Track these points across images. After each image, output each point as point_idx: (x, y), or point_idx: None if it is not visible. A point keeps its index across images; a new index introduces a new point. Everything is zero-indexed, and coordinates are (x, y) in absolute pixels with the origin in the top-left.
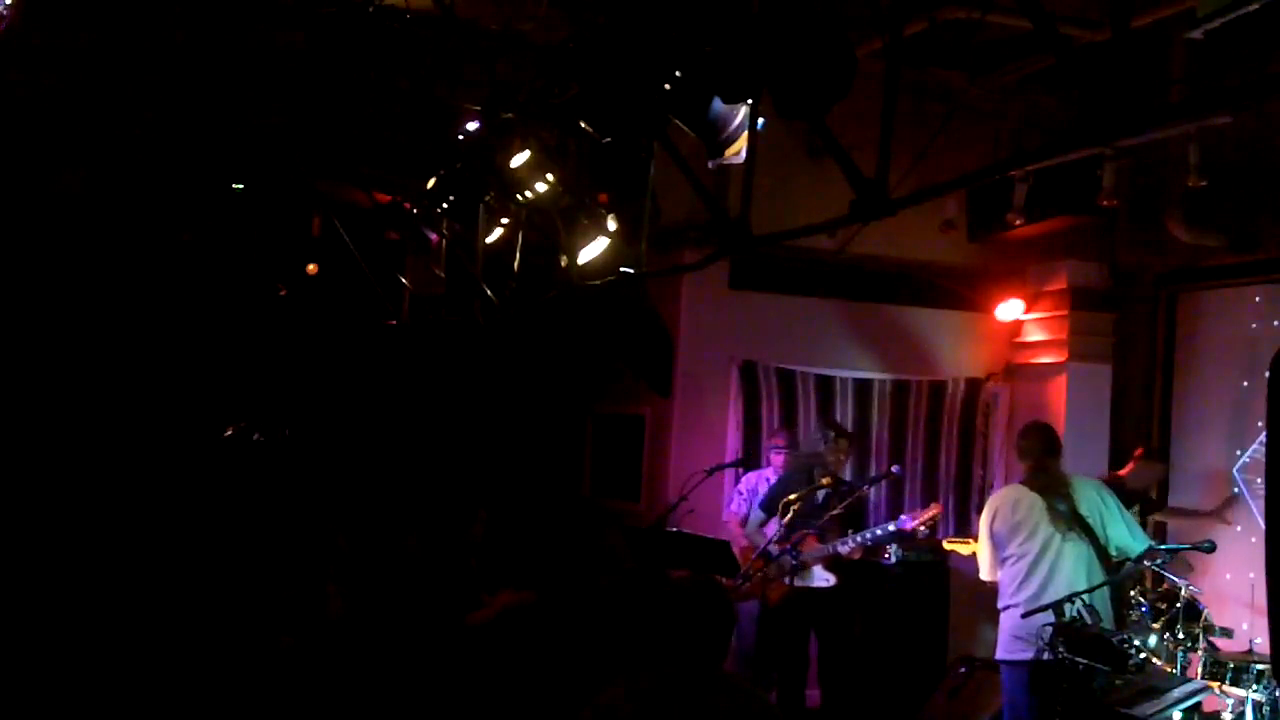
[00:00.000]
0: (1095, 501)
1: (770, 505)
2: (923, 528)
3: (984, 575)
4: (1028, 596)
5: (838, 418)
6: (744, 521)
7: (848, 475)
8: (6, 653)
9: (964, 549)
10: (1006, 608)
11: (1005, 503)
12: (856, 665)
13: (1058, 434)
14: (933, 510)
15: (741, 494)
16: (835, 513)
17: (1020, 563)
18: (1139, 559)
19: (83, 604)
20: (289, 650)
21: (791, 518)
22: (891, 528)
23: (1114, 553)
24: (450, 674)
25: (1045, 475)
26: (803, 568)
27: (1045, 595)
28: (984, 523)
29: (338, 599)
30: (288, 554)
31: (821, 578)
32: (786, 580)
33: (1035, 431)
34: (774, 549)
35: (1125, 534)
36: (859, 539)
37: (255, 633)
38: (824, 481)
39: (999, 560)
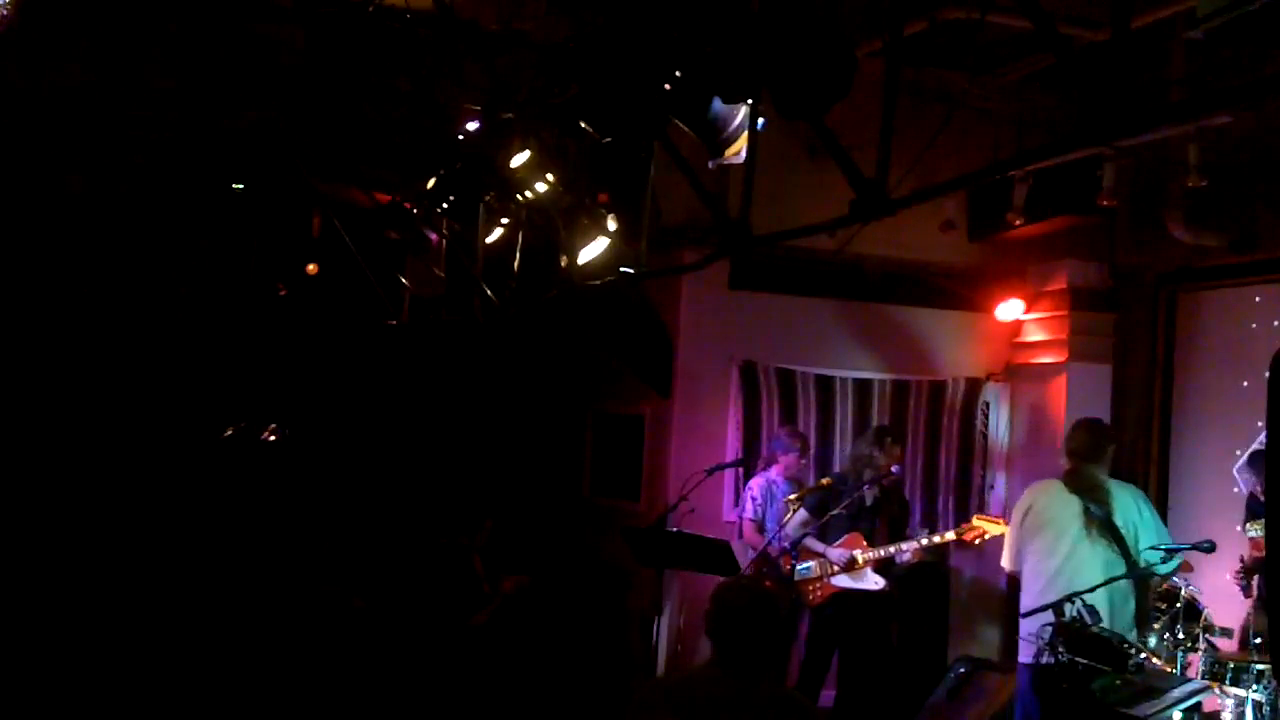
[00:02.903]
0: (1131, 510)
1: (821, 508)
2: (978, 540)
3: (1004, 563)
4: (1051, 600)
5: (837, 418)
6: (761, 527)
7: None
8: (7, 653)
9: (994, 528)
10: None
11: (1041, 497)
12: (882, 669)
13: (1108, 434)
14: (1000, 526)
15: (756, 500)
16: (835, 512)
17: (1046, 561)
18: (1163, 572)
19: (83, 605)
20: (358, 614)
21: (828, 519)
22: (951, 536)
23: (1141, 564)
24: (457, 672)
25: (1086, 477)
26: (854, 567)
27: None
28: (1017, 512)
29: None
30: (290, 555)
31: (873, 580)
32: (834, 581)
33: (1084, 430)
34: (773, 550)
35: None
36: (916, 545)
37: (265, 636)
38: (823, 482)
39: (1024, 553)
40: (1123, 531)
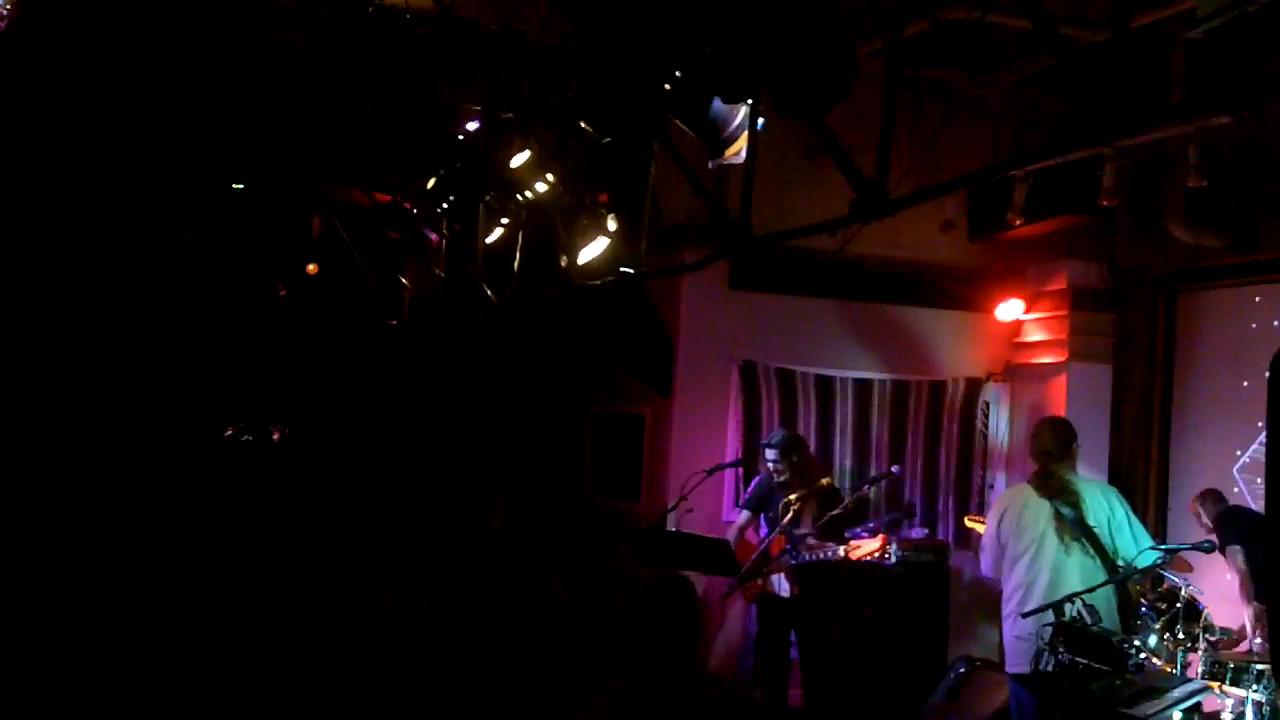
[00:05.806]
0: (1103, 508)
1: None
2: (858, 556)
3: (985, 571)
4: (1032, 607)
5: (837, 418)
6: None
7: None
8: (7, 654)
9: (982, 528)
10: (1010, 616)
11: (1012, 505)
12: (837, 670)
13: (1073, 431)
14: (878, 543)
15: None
16: (836, 513)
17: (1025, 572)
18: (1145, 570)
19: (85, 603)
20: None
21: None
22: (840, 551)
23: (1121, 564)
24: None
25: (1054, 479)
26: (766, 571)
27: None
28: (990, 522)
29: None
30: (297, 554)
31: (781, 587)
32: (760, 582)
33: (1047, 429)
34: (774, 547)
35: (1132, 545)
36: (806, 556)
37: (276, 635)
38: (823, 482)
39: (1003, 562)
40: (1096, 531)
